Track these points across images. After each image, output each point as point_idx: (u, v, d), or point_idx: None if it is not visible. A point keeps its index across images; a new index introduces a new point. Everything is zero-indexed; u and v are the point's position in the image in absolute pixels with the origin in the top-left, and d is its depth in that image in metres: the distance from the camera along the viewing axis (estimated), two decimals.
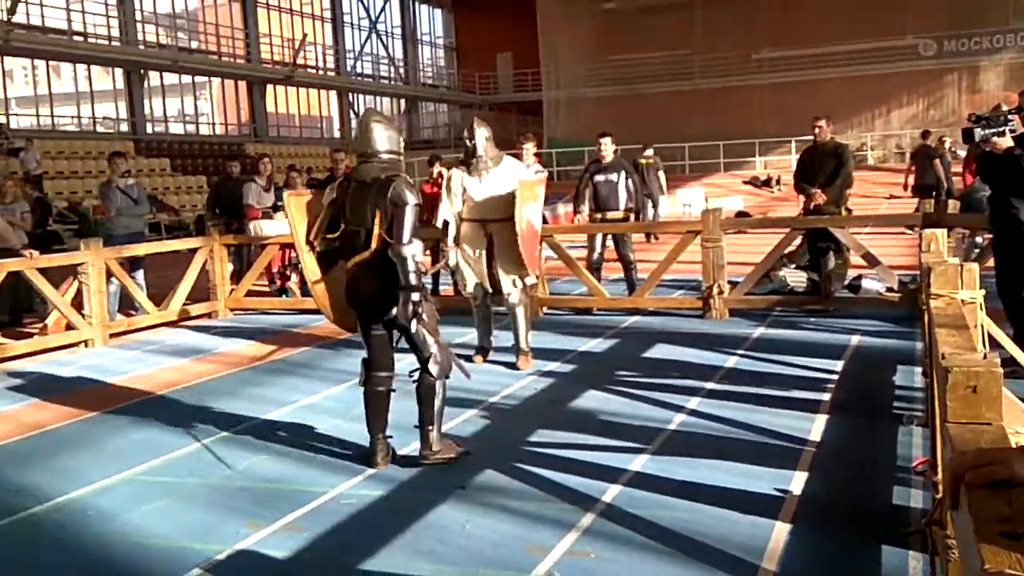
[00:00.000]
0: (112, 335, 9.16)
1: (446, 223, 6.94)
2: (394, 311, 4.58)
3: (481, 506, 4.18)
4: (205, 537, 3.97)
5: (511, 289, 6.92)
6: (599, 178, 9.41)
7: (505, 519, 4.02)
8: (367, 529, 3.99)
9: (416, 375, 4.74)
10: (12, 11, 22.61)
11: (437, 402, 4.72)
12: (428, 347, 4.68)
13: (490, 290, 7.00)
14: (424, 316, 4.60)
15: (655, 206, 18.64)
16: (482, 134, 7.02)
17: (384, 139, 4.79)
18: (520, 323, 7.01)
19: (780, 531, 3.73)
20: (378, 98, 40.80)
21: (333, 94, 37.66)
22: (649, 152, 19.06)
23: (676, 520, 3.88)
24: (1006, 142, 5.31)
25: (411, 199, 4.59)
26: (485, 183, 6.93)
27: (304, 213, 5.06)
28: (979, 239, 10.51)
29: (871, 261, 8.58)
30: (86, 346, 8.82)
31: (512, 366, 7.02)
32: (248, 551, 3.81)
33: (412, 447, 4.93)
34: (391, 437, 4.86)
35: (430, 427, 4.70)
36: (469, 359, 7.23)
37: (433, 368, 4.68)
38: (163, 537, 3.99)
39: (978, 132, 5.26)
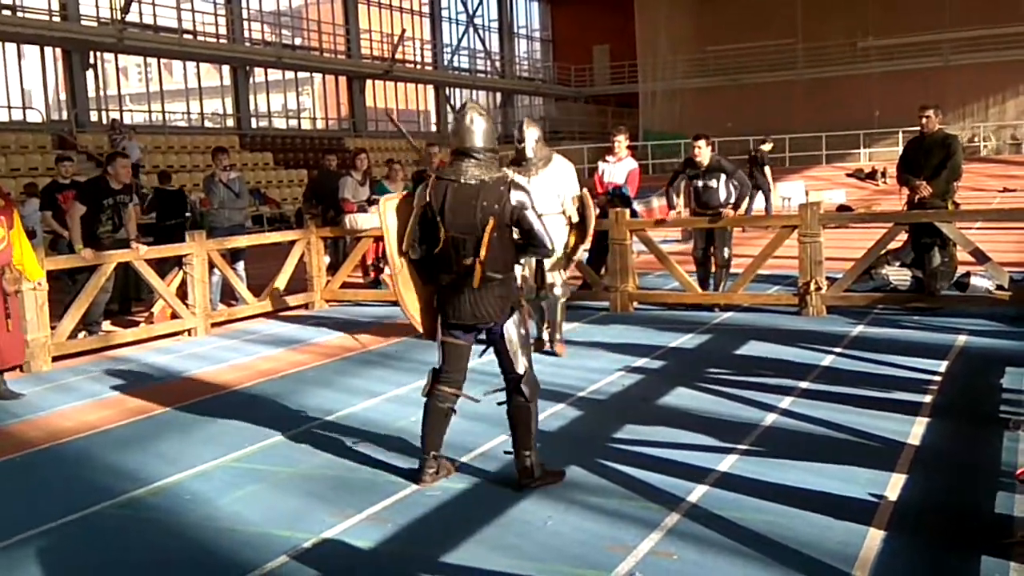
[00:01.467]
0: (213, 324, 9.45)
1: None
2: (502, 323, 4.37)
3: (564, 502, 4.15)
4: (293, 525, 4.05)
5: (555, 280, 7.26)
6: (699, 183, 9.16)
7: (588, 516, 3.99)
8: (450, 522, 4.01)
9: (494, 394, 4.50)
10: (125, 11, 23.54)
11: (534, 426, 4.39)
12: (521, 363, 4.40)
13: (534, 284, 7.21)
14: (524, 331, 4.46)
15: (767, 196, 18.39)
16: (532, 135, 7.06)
17: (484, 135, 4.39)
18: (558, 314, 7.36)
19: (873, 538, 3.60)
20: (474, 92, 41.04)
21: (430, 88, 38.05)
22: (767, 146, 18.87)
23: (764, 523, 3.79)
24: None
25: (529, 200, 4.38)
26: (534, 183, 6.87)
27: (396, 218, 4.58)
28: None
29: (980, 257, 8.21)
30: (189, 335, 9.13)
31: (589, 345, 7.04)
32: (333, 540, 3.88)
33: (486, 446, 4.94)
34: (456, 462, 4.68)
35: (527, 452, 4.36)
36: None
37: (525, 389, 4.39)
38: (253, 523, 4.10)
39: None
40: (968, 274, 9.02)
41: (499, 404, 4.47)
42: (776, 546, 3.58)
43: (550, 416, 5.55)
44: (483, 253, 4.25)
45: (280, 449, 5.23)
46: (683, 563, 3.50)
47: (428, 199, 4.34)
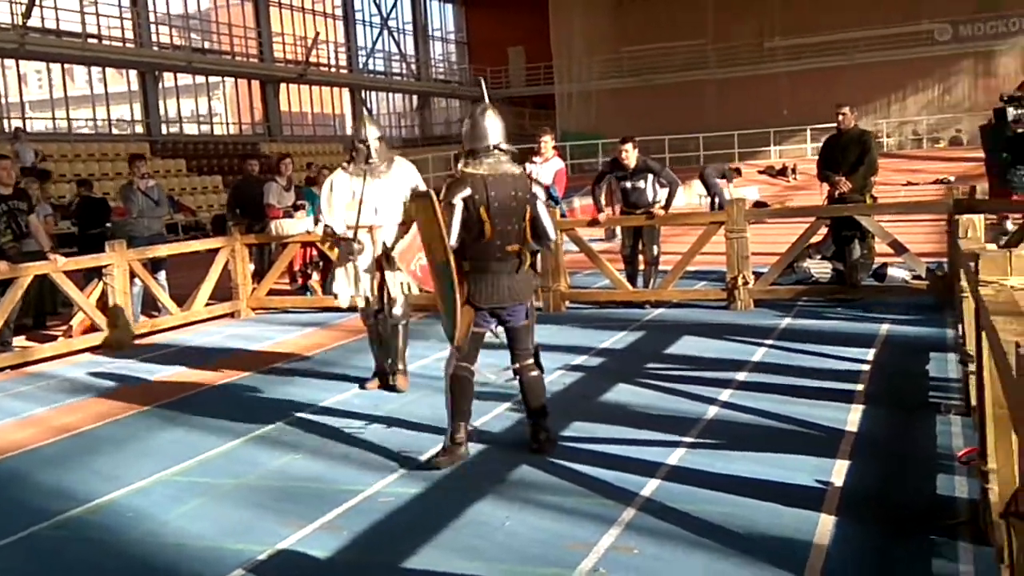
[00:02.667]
0: (136, 336, 9.17)
1: (328, 231, 6.41)
2: (524, 305, 4.76)
3: (519, 502, 4.15)
4: (244, 537, 3.96)
5: (397, 297, 6.32)
6: (627, 185, 9.25)
7: (545, 515, 3.99)
8: (407, 527, 3.97)
9: (512, 372, 4.89)
10: (27, 15, 22.69)
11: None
12: (533, 339, 4.86)
13: (376, 305, 6.35)
14: (535, 311, 4.93)
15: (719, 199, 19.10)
16: (374, 134, 6.31)
17: (503, 132, 4.78)
18: (400, 339, 6.39)
19: (825, 523, 3.69)
20: (390, 95, 40.83)
21: (346, 92, 37.69)
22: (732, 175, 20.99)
23: (718, 514, 3.85)
24: None
25: (543, 194, 4.85)
26: (377, 187, 6.20)
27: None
28: (1008, 224, 10.42)
29: (898, 249, 8.51)
30: (111, 348, 8.82)
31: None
32: (289, 551, 3.80)
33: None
34: (472, 428, 4.94)
35: (541, 420, 4.84)
36: (363, 384, 6.54)
37: (542, 362, 4.88)
38: (202, 538, 3.99)
39: (1011, 111, 5.20)
40: (885, 265, 9.34)
41: (508, 381, 4.95)
42: (732, 535, 3.64)
43: (494, 418, 5.54)
44: (529, 240, 4.71)
45: (220, 461, 5.10)
46: (644, 557, 3.53)
47: (471, 193, 4.58)
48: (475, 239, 4.61)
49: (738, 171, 21.51)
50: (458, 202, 4.58)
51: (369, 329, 6.53)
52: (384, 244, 6.15)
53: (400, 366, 6.41)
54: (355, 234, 6.16)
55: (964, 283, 4.50)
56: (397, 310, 6.34)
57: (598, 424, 5.27)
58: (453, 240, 4.53)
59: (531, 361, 4.84)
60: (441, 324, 4.78)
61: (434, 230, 4.46)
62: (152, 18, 28.30)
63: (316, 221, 6.50)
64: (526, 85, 41.34)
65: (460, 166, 4.77)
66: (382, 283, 6.28)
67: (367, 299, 6.35)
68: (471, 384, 4.77)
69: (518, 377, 4.87)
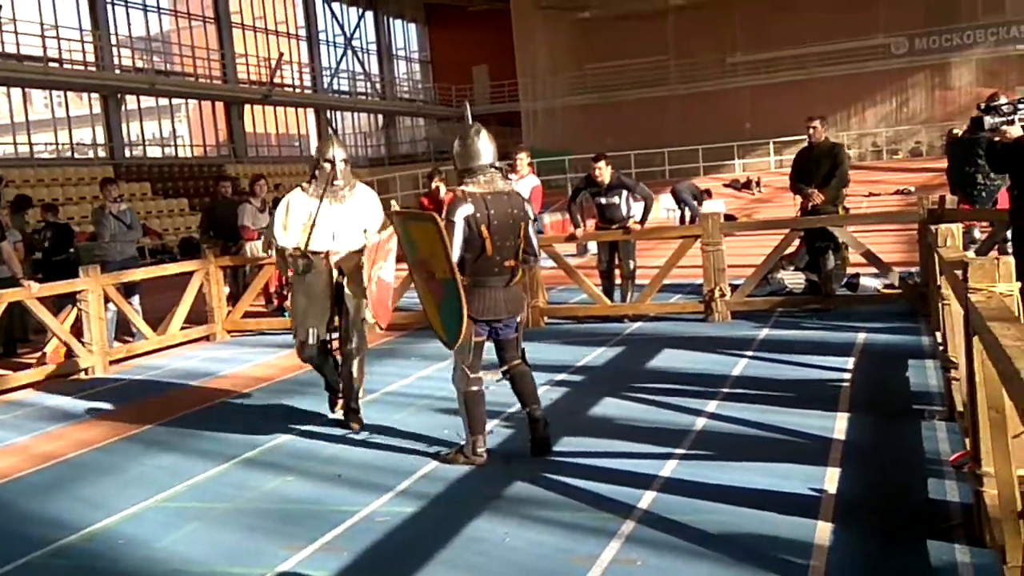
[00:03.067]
0: (112, 362, 9.07)
1: (283, 252, 6.04)
2: (519, 317, 5.00)
3: (517, 517, 4.16)
4: (244, 561, 3.93)
5: (359, 326, 6.01)
6: (602, 200, 9.36)
7: (544, 530, 4.00)
8: (407, 546, 3.97)
9: (501, 375, 5.09)
10: None
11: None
12: (521, 347, 5.09)
13: (324, 336, 6.03)
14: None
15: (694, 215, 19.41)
16: (341, 155, 6.06)
17: (495, 151, 4.97)
18: (357, 374, 5.98)
19: (823, 530, 3.74)
20: (355, 114, 40.81)
21: (311, 112, 37.62)
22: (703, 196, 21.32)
23: (716, 524, 3.89)
24: (1016, 131, 5.34)
25: (531, 212, 5.04)
26: (339, 211, 5.94)
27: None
28: (976, 233, 10.64)
29: (871, 259, 8.65)
30: (86, 374, 8.72)
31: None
32: (290, 573, 3.78)
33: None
34: (491, 432, 5.20)
35: (535, 405, 5.01)
36: (333, 407, 6.30)
37: (527, 360, 5.11)
38: (201, 563, 3.95)
39: (988, 120, 5.31)
40: (857, 275, 9.49)
41: (498, 381, 5.12)
42: (732, 544, 3.68)
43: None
44: (522, 256, 4.89)
45: (210, 485, 5.06)
46: (647, 568, 3.55)
47: (473, 211, 4.73)
48: (476, 256, 4.77)
49: (708, 192, 22.05)
50: (459, 220, 4.72)
51: (307, 361, 6.20)
52: (339, 270, 5.94)
53: (355, 404, 5.97)
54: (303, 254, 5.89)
55: (947, 291, 4.60)
56: (354, 341, 5.97)
57: (588, 438, 5.30)
58: (455, 256, 4.64)
59: (518, 360, 5.06)
60: (439, 338, 4.87)
61: (437, 249, 4.55)
62: (114, 40, 28.08)
63: (268, 245, 6.06)
64: (491, 103, 41.53)
65: (459, 185, 4.90)
66: (337, 313, 5.99)
67: (311, 333, 5.97)
68: (483, 396, 4.97)
69: (508, 375, 5.04)
